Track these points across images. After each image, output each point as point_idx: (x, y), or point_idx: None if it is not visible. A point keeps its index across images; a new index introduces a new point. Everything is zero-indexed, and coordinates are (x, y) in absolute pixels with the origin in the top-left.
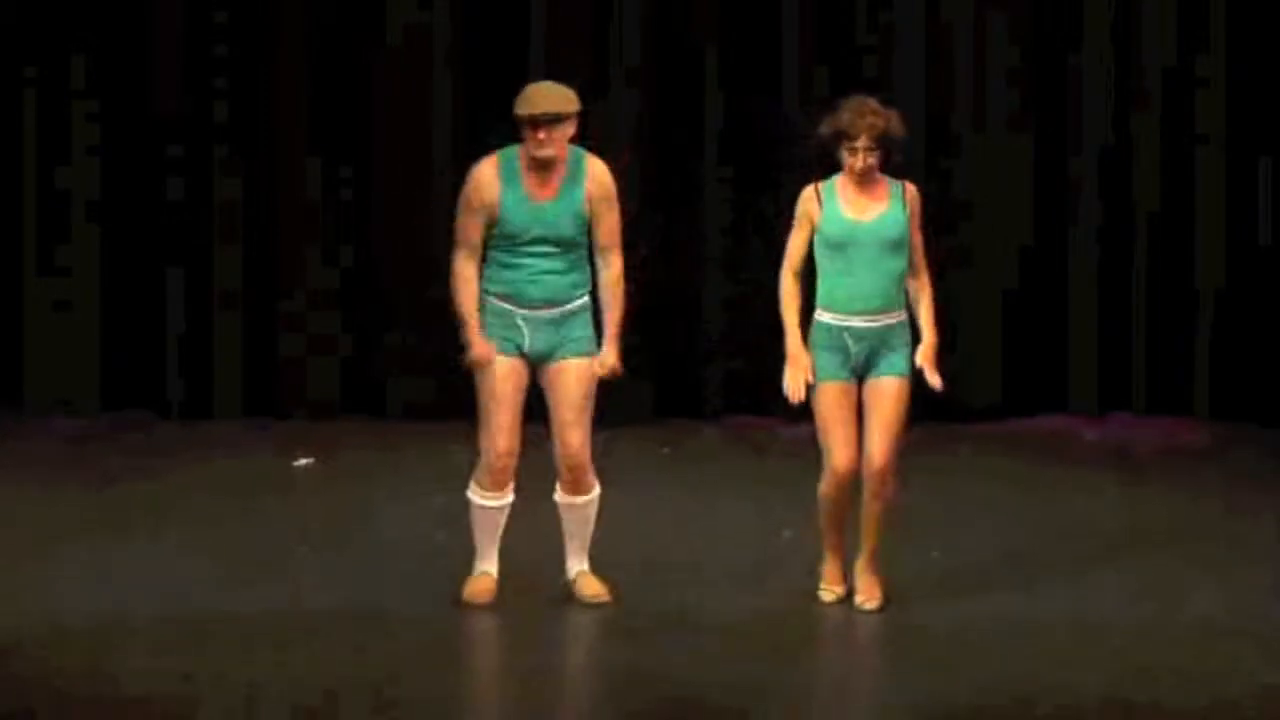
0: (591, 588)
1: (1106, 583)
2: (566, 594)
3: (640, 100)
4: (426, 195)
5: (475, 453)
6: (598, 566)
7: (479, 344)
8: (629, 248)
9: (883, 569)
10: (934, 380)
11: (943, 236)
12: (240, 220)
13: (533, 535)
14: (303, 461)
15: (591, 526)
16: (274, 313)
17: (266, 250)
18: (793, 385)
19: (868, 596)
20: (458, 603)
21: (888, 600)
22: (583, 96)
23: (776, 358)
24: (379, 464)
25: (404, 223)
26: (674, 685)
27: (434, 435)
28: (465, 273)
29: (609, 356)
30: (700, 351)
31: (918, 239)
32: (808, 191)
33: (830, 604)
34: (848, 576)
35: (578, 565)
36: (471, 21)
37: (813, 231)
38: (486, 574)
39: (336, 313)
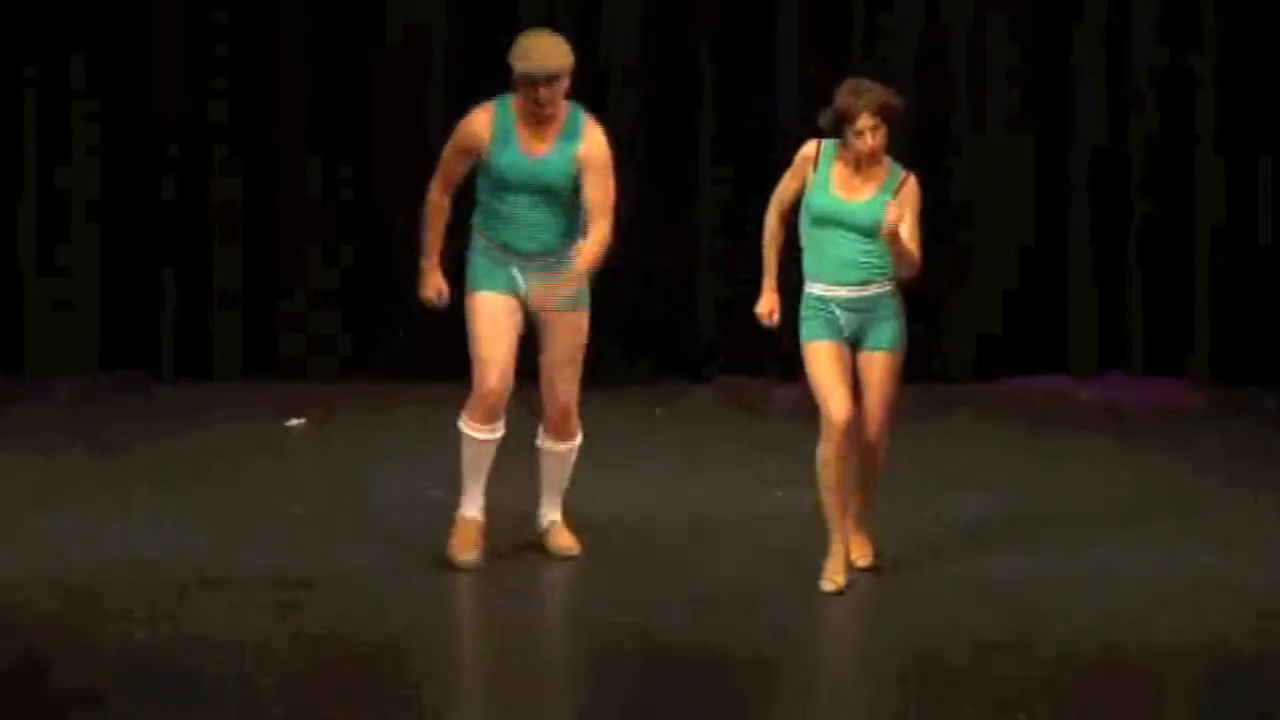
0: (563, 539)
1: (1103, 541)
2: (537, 543)
3: (636, 101)
4: (426, 195)
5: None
6: (594, 526)
7: (432, 283)
8: (626, 257)
9: (874, 528)
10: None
11: (944, 240)
12: (240, 220)
13: (524, 490)
14: (295, 422)
15: (569, 474)
16: (274, 313)
17: (266, 250)
18: (762, 312)
19: (860, 554)
20: (445, 560)
21: (879, 557)
22: (578, 95)
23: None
24: (375, 423)
25: (404, 223)
26: (666, 645)
27: (431, 394)
28: (438, 202)
29: (582, 260)
30: (695, 353)
31: (911, 232)
32: (809, 147)
33: (831, 594)
34: (850, 567)
35: (551, 514)
36: (470, 23)
37: (803, 186)
38: (473, 520)
39: (336, 313)
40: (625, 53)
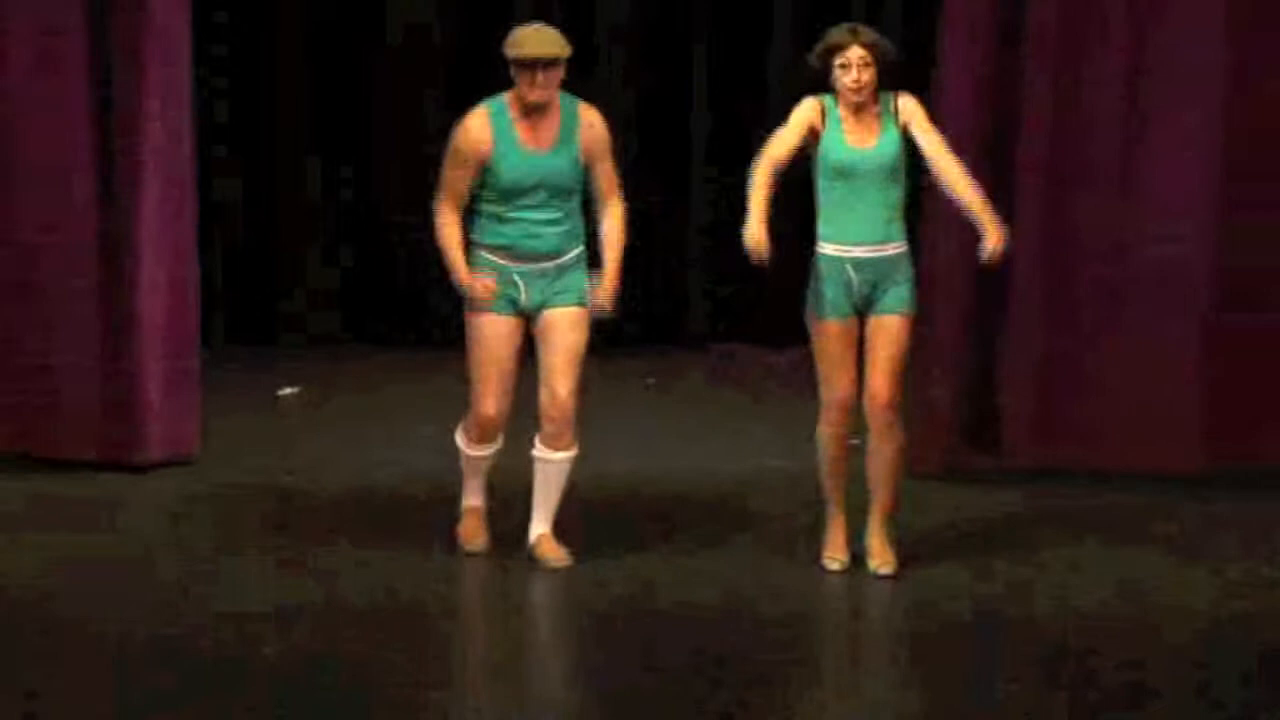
0: (553, 551)
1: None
2: (529, 558)
3: (631, 102)
4: (427, 195)
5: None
6: (592, 499)
7: (475, 285)
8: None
9: (897, 535)
10: (997, 242)
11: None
12: (240, 220)
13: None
14: (288, 391)
15: (563, 487)
16: (274, 312)
17: (266, 249)
18: (750, 241)
19: (882, 561)
20: (452, 548)
21: (903, 565)
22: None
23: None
24: (371, 394)
25: (404, 223)
26: (664, 620)
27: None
28: (448, 218)
29: (605, 288)
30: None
31: (930, 139)
32: (811, 101)
33: (835, 572)
34: (852, 543)
35: (540, 528)
36: (468, 23)
37: (804, 141)
38: (474, 509)
39: (336, 313)
40: (619, 53)
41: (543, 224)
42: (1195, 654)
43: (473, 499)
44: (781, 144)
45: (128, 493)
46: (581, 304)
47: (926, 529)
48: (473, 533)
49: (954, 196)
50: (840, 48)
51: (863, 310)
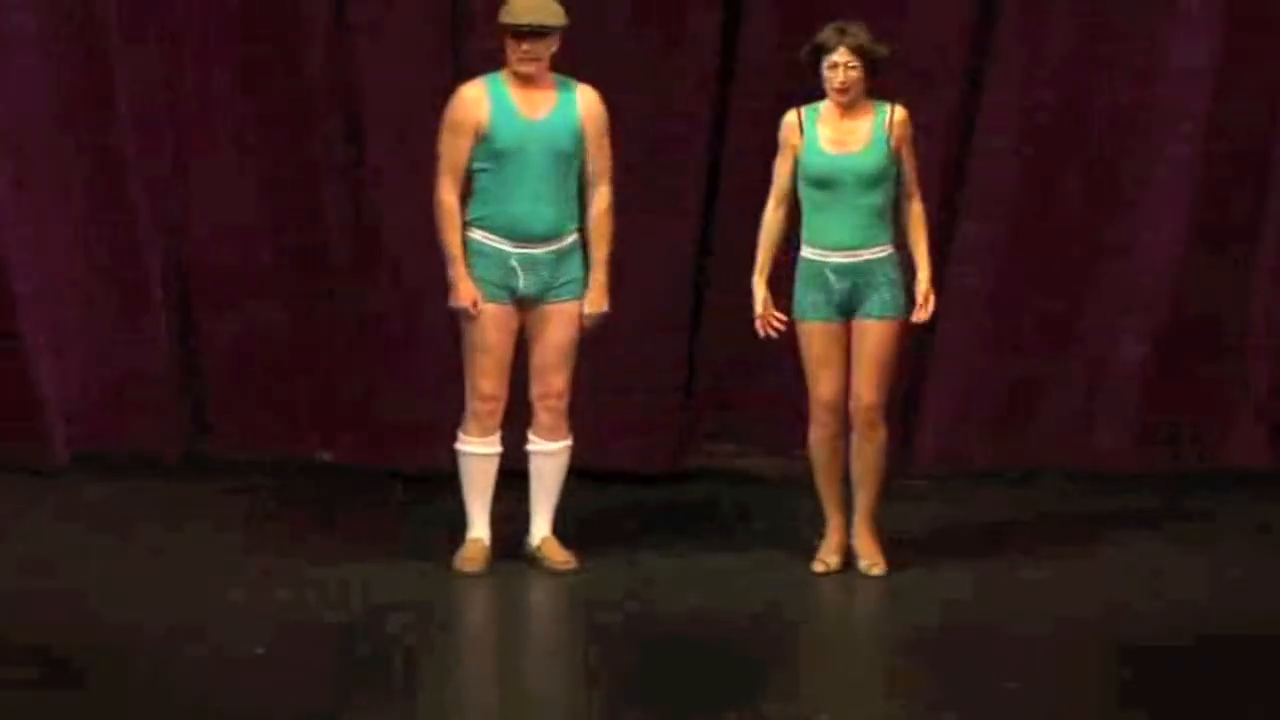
0: (557, 554)
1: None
2: (531, 561)
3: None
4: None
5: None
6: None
7: (466, 289)
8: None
9: (883, 533)
10: (919, 316)
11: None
12: None
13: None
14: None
15: (561, 481)
16: None
17: None
18: (759, 325)
19: (872, 561)
20: (449, 570)
21: (897, 566)
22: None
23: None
24: None
25: None
26: (661, 622)
27: None
28: (451, 203)
29: (596, 301)
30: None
31: (908, 166)
32: (789, 117)
33: (827, 574)
34: (846, 547)
35: (542, 530)
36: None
37: (795, 160)
38: (478, 540)
39: None
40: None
41: (540, 200)
42: (1194, 653)
43: (477, 529)
44: (781, 175)
45: None
46: (577, 298)
47: (921, 528)
48: (473, 560)
49: (907, 235)
50: (827, 49)
51: (847, 313)
